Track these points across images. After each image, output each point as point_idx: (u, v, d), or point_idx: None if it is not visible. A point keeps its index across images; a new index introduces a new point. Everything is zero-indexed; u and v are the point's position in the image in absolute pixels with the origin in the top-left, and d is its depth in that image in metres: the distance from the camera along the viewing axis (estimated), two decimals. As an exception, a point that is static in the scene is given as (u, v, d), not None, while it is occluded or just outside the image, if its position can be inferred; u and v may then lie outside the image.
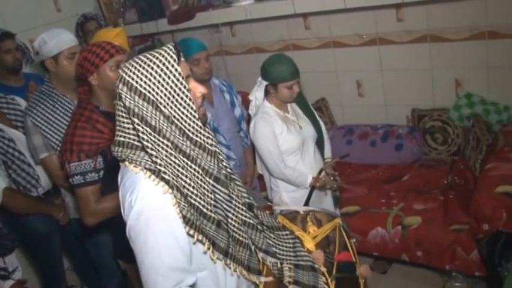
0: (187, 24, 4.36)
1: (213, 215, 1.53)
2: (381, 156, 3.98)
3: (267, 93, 2.82)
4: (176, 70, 1.46)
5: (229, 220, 1.62)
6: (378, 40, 3.97)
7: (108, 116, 2.33)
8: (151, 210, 1.45)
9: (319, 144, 3.01)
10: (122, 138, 1.54)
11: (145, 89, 1.44)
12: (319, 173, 2.83)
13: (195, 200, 1.49)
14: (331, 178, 2.90)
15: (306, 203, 2.69)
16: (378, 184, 3.74)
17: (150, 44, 5.13)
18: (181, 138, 1.48)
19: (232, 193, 1.65)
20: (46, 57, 2.80)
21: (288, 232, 1.88)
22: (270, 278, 1.78)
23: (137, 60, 1.49)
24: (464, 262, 2.94)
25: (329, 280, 1.86)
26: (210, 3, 4.36)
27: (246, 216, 1.69)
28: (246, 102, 3.16)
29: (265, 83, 2.77)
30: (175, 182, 1.45)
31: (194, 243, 1.51)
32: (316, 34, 4.27)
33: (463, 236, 2.95)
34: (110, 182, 2.26)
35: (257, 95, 2.89)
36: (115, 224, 2.39)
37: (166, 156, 1.45)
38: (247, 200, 1.74)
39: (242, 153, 3.29)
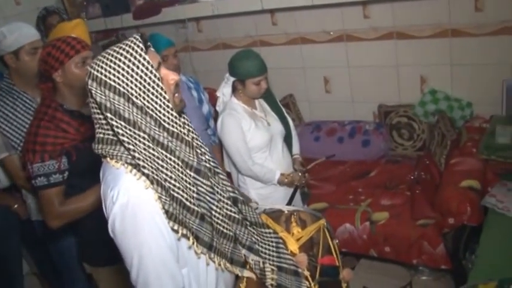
0: (153, 20, 4.31)
1: (196, 208, 1.50)
2: (348, 152, 4.01)
3: (234, 90, 2.80)
4: (144, 59, 1.43)
5: (213, 213, 1.58)
6: (345, 37, 4.01)
7: (73, 115, 2.27)
8: (135, 205, 1.41)
9: (287, 140, 3.01)
10: (100, 135, 1.50)
11: (114, 81, 1.41)
12: (304, 173, 2.87)
13: (177, 193, 1.45)
14: (300, 174, 2.90)
15: (289, 203, 2.68)
16: (345, 180, 3.77)
17: (114, 39, 5.04)
18: (157, 129, 1.45)
19: (217, 186, 1.61)
20: (6, 52, 2.69)
21: (271, 231, 1.85)
22: (252, 275, 1.74)
23: (104, 54, 1.46)
24: (431, 256, 3.00)
25: (312, 284, 1.84)
26: (177, -2, 4.30)
27: (230, 211, 1.65)
28: (213, 99, 3.13)
29: (232, 79, 2.75)
30: (155, 176, 1.41)
31: (179, 239, 1.48)
32: (283, 30, 4.28)
33: (429, 231, 3.00)
34: (74, 183, 2.25)
35: (224, 91, 2.87)
36: (80, 227, 2.38)
37: (144, 149, 1.42)
38: (232, 194, 1.69)
39: (210, 151, 3.26)
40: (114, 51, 1.44)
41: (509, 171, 2.99)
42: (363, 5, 3.78)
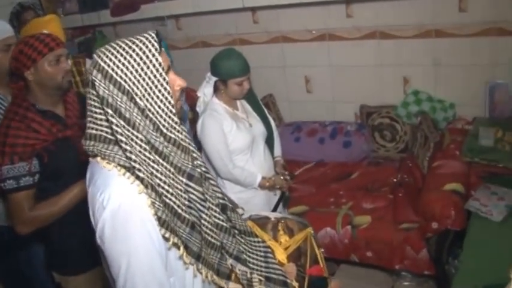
0: (131, 16, 4.22)
1: (187, 216, 1.43)
2: (329, 153, 3.97)
3: (216, 90, 2.73)
4: (157, 60, 1.36)
5: (203, 221, 1.52)
6: (327, 36, 3.97)
7: (46, 115, 2.17)
8: (127, 211, 1.34)
9: (269, 142, 2.95)
10: (93, 131, 1.41)
11: (121, 77, 1.33)
12: (292, 177, 2.82)
13: (170, 199, 1.39)
14: (281, 178, 2.85)
15: (275, 209, 2.62)
16: (326, 183, 3.73)
17: (90, 36, 4.93)
18: (154, 133, 1.38)
19: (207, 193, 1.54)
20: None
21: (260, 240, 1.79)
22: (239, 286, 1.67)
23: (115, 46, 1.37)
24: (414, 261, 2.97)
25: None
26: (155, -6, 4.21)
27: (219, 219, 1.58)
28: (190, 99, 3.07)
29: (214, 78, 2.68)
30: (150, 180, 1.35)
31: (169, 249, 1.41)
32: (264, 29, 4.22)
33: (412, 235, 2.97)
34: (46, 186, 2.15)
35: (206, 91, 2.80)
36: (49, 233, 2.27)
37: (140, 152, 1.35)
38: (221, 201, 1.63)
39: None
40: (127, 45, 1.36)
41: (493, 174, 2.98)
42: (346, 4, 3.75)
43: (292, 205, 3.41)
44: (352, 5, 3.74)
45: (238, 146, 2.71)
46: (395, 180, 3.29)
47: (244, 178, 2.72)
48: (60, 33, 2.77)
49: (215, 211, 1.57)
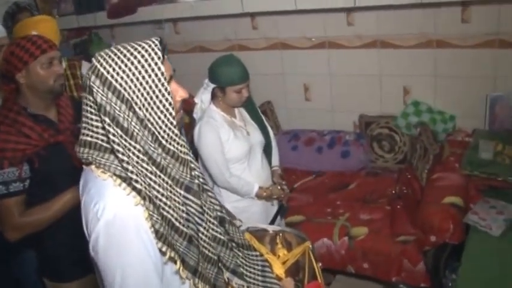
0: (128, 19, 4.19)
1: (185, 229, 1.39)
2: (327, 163, 3.95)
3: (213, 97, 2.70)
4: (159, 69, 1.32)
5: (200, 235, 1.48)
6: (327, 44, 3.95)
7: (37, 119, 2.14)
8: (122, 222, 1.30)
9: (267, 151, 2.93)
10: (89, 138, 1.37)
11: (121, 85, 1.29)
12: (291, 191, 2.78)
13: (167, 212, 1.35)
14: (279, 188, 2.83)
15: (272, 222, 2.60)
16: (323, 192, 3.70)
17: (86, 38, 4.90)
18: (152, 144, 1.34)
19: (204, 205, 1.51)
20: None
21: (257, 253, 1.76)
22: None
23: (116, 51, 1.33)
24: (411, 274, 2.93)
25: None
26: (154, -3, 4.19)
27: (217, 232, 1.55)
28: (186, 104, 3.03)
29: (212, 85, 2.65)
30: (147, 192, 1.31)
31: (165, 263, 1.38)
32: (263, 35, 4.21)
33: (409, 248, 2.94)
34: (36, 192, 2.11)
35: (203, 98, 2.76)
36: (41, 239, 2.23)
37: (137, 162, 1.30)
38: (219, 213, 1.60)
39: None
40: (128, 51, 1.32)
41: (492, 188, 2.96)
42: (347, 12, 3.73)
43: (289, 215, 3.37)
44: (353, 13, 3.72)
45: (235, 154, 2.68)
46: (393, 191, 3.27)
47: (241, 187, 2.70)
48: (52, 34, 2.73)
49: (213, 224, 1.54)
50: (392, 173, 3.76)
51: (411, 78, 3.75)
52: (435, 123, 3.64)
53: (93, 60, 1.34)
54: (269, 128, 2.96)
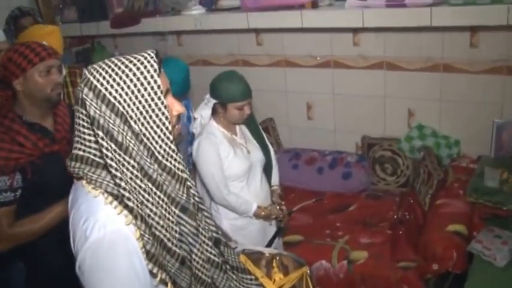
0: (131, 30, 4.17)
1: (177, 250, 1.35)
2: (327, 183, 3.90)
3: (214, 112, 2.66)
4: (156, 82, 1.28)
5: (194, 256, 1.43)
6: (332, 63, 3.93)
7: (32, 128, 2.10)
8: (112, 243, 1.25)
9: (267, 170, 2.87)
10: (81, 152, 1.33)
11: (115, 98, 1.25)
12: (290, 214, 2.75)
13: (159, 232, 1.30)
14: (278, 208, 2.78)
15: (269, 244, 2.55)
16: (323, 213, 3.64)
17: (89, 47, 4.90)
18: (148, 160, 1.30)
19: (199, 225, 1.46)
20: None
21: (252, 277, 1.71)
22: None
23: (110, 63, 1.29)
24: (411, 302, 2.90)
25: None
26: (158, 9, 4.18)
27: (211, 253, 1.50)
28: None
29: (213, 101, 2.61)
30: (139, 211, 1.26)
31: (156, 286, 1.32)
32: (267, 51, 4.18)
33: (410, 275, 2.88)
34: (27, 203, 2.07)
35: (203, 113, 2.73)
36: (30, 251, 2.19)
37: (131, 178, 1.26)
38: (214, 234, 1.55)
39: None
40: (123, 63, 1.28)
41: (496, 216, 2.93)
42: (354, 32, 3.71)
43: (287, 234, 3.33)
44: (359, 34, 3.70)
45: (234, 172, 2.64)
46: (395, 216, 3.23)
47: (239, 205, 2.65)
48: (59, 46, 2.72)
49: (207, 245, 1.49)
50: (394, 196, 3.71)
51: (416, 101, 3.71)
52: (439, 148, 3.60)
53: (86, 72, 1.31)
54: (270, 147, 2.92)
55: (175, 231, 1.36)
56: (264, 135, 2.91)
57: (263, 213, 2.69)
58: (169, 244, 1.33)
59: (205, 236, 1.48)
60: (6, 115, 2.10)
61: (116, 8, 4.37)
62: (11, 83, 2.07)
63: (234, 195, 2.66)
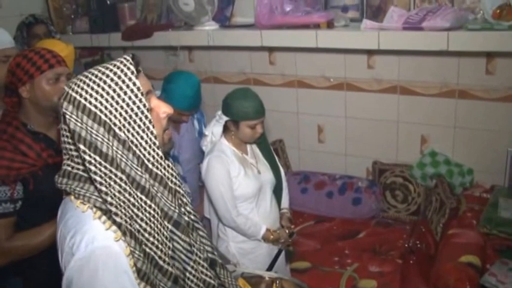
0: (142, 43, 4.15)
1: (170, 268, 1.29)
2: (336, 209, 3.83)
3: (225, 130, 2.62)
4: (134, 84, 1.25)
5: (187, 275, 1.37)
6: (345, 85, 3.88)
7: (37, 137, 2.06)
8: (100, 259, 1.20)
9: (277, 192, 2.81)
10: (69, 168, 1.30)
11: (95, 106, 1.22)
12: (292, 235, 2.69)
13: (150, 248, 1.25)
14: (287, 232, 2.73)
15: (270, 268, 2.50)
16: (331, 239, 3.57)
17: (98, 58, 4.89)
18: (139, 169, 1.25)
19: (194, 245, 1.40)
20: None
21: None
22: None
23: (86, 74, 1.26)
24: (420, 335, 2.82)
25: None
26: (171, 23, 4.16)
27: (206, 275, 1.43)
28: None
29: (225, 118, 2.57)
30: (128, 226, 1.21)
31: None
32: (280, 71, 4.15)
33: (420, 306, 2.83)
34: (28, 215, 2.03)
35: (214, 130, 2.67)
36: (27, 266, 2.12)
37: (119, 192, 1.21)
38: (210, 255, 1.48)
39: (197, 187, 3.10)
40: (99, 71, 1.25)
41: (510, 248, 2.87)
42: (368, 54, 3.67)
43: (294, 260, 3.25)
44: (374, 56, 3.66)
45: (243, 192, 2.58)
46: (406, 245, 3.17)
47: (248, 228, 2.58)
48: (71, 66, 2.71)
49: (202, 266, 1.42)
50: (404, 224, 3.64)
51: (430, 127, 3.66)
52: (452, 176, 3.54)
53: (65, 87, 1.27)
54: (281, 168, 2.87)
55: (168, 247, 1.31)
56: (275, 156, 2.87)
57: (272, 236, 2.63)
58: (161, 262, 1.28)
59: (200, 257, 1.42)
60: (10, 122, 2.06)
61: (128, 20, 4.36)
62: (18, 89, 2.03)
63: (243, 217, 2.60)
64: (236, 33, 3.79)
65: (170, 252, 1.31)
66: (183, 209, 1.39)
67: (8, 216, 1.99)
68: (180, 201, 1.38)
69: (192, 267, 1.39)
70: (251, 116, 2.50)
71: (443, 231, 3.13)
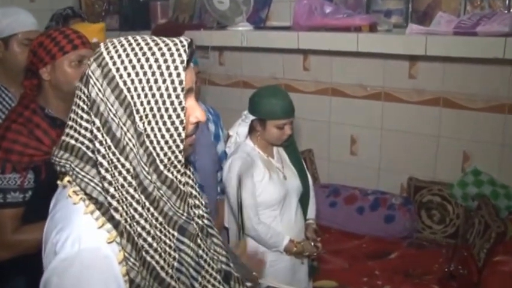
0: (171, 42, 4.02)
1: (173, 283, 1.10)
2: (367, 226, 3.61)
3: (251, 130, 2.48)
4: (178, 76, 1.06)
5: None
6: (383, 95, 3.69)
7: (54, 123, 1.94)
8: (85, 263, 1.02)
9: (303, 201, 2.64)
10: (72, 141, 1.11)
11: (124, 83, 1.04)
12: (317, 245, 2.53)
13: (152, 257, 1.06)
14: (312, 244, 2.50)
15: None
16: (360, 258, 3.36)
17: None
18: (146, 168, 1.07)
19: (207, 254, 1.22)
20: None
21: None
22: None
23: (132, 41, 1.09)
24: None
25: None
26: (203, 23, 4.07)
27: None
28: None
29: (251, 117, 2.42)
30: (128, 227, 1.03)
31: None
32: (314, 77, 3.98)
33: None
34: (37, 207, 1.81)
35: (239, 130, 2.54)
36: (32, 263, 1.97)
37: (122, 186, 1.04)
38: (224, 266, 1.29)
39: (215, 199, 2.87)
40: (147, 44, 1.08)
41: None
42: (410, 61, 3.46)
43: (320, 278, 3.05)
44: (417, 64, 3.46)
45: (267, 199, 2.42)
46: (446, 269, 2.88)
47: (269, 237, 2.40)
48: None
49: (215, 278, 1.23)
50: (440, 247, 3.40)
51: (474, 143, 3.42)
52: (497, 198, 3.27)
53: (101, 45, 1.10)
54: (309, 176, 2.68)
55: (174, 258, 1.13)
56: (303, 161, 2.65)
57: (295, 248, 2.45)
58: (163, 274, 1.09)
59: (213, 268, 1.24)
60: (27, 106, 1.96)
61: (160, 19, 4.32)
62: (38, 70, 1.93)
63: (265, 225, 2.44)
64: (271, 34, 3.67)
65: (176, 263, 1.14)
66: (196, 212, 1.24)
67: (16, 206, 1.89)
68: (192, 204, 1.23)
69: (200, 284, 1.21)
70: (279, 114, 2.36)
71: (488, 257, 2.89)
